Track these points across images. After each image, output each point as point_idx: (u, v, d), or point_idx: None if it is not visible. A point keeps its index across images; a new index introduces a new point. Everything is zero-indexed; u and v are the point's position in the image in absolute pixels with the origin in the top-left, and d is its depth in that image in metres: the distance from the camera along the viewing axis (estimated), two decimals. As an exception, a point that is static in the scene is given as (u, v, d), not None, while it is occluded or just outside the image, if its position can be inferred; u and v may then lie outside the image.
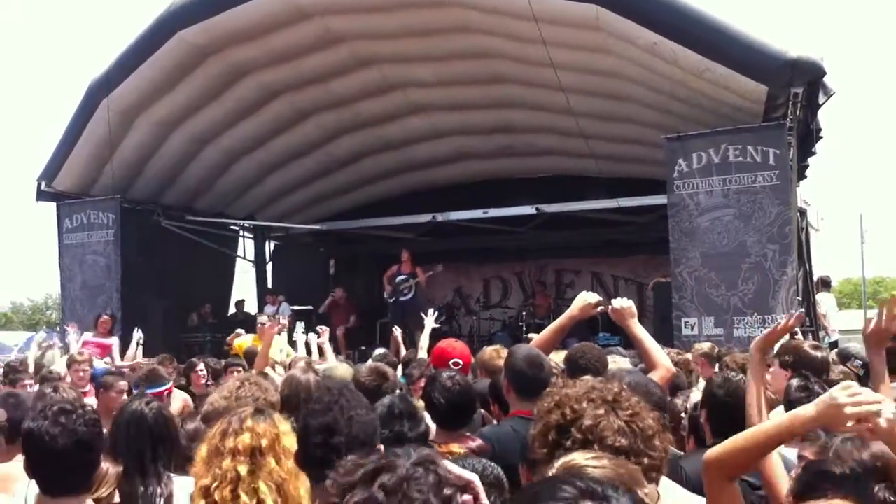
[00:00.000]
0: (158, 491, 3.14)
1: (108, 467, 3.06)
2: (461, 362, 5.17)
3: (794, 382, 4.21)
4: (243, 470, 2.59)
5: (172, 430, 3.49)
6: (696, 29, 10.62)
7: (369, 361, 7.07)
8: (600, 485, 1.22)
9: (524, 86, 13.90)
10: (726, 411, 3.58)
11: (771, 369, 6.22)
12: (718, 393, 3.87)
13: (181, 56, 13.20)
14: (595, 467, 1.85)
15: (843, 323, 16.38)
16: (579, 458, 1.93)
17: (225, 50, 13.24)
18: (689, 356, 7.65)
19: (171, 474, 3.30)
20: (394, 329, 10.00)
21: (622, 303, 4.54)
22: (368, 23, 12.87)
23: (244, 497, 2.52)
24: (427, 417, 3.93)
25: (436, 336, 8.15)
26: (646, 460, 2.15)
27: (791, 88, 10.50)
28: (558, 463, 1.95)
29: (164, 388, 6.57)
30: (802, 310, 3.83)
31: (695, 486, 3.08)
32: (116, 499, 3.07)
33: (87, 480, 2.72)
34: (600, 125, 14.02)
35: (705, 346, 8.18)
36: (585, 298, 4.59)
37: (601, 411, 2.23)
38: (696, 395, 4.58)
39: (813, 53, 10.42)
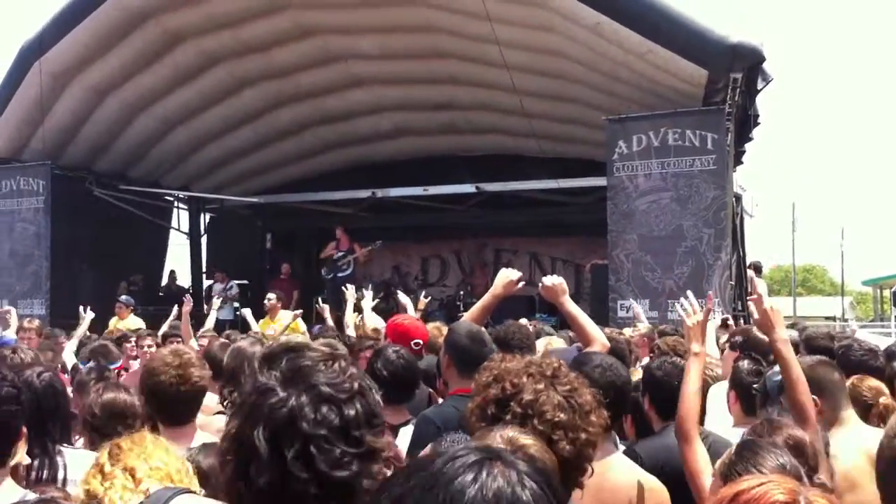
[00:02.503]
0: (46, 463, 3.02)
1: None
2: (422, 342, 5.05)
3: (745, 365, 4.22)
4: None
5: (62, 402, 3.37)
6: (639, 10, 10.72)
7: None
8: (502, 449, 1.20)
9: (468, 62, 13.81)
10: (670, 394, 3.59)
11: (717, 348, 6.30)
12: (658, 376, 3.91)
13: (118, 19, 12.86)
14: (532, 444, 1.83)
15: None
16: (518, 433, 1.93)
17: (163, 14, 12.91)
18: (630, 335, 7.68)
19: (63, 447, 3.18)
20: (318, 303, 9.98)
21: (553, 280, 4.53)
22: (311, -9, 12.67)
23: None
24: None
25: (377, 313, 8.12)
26: (583, 435, 2.14)
27: (731, 73, 10.65)
28: (497, 434, 1.93)
29: (117, 364, 6.21)
30: (711, 292, 3.79)
31: (651, 472, 3.22)
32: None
33: (2, 456, 2.59)
34: (543, 104, 14.01)
35: (644, 327, 8.26)
36: (507, 275, 4.58)
37: (541, 386, 2.22)
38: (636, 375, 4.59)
39: (753, 39, 10.56)
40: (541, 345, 5.40)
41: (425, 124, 16.59)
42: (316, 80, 15.10)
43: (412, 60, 14.39)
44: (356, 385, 1.54)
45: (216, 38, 13.62)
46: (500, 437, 1.94)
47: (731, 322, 8.99)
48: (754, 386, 4.03)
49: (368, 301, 8.45)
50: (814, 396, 3.41)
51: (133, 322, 11.18)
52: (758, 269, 14.44)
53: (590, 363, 3.39)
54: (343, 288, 9.19)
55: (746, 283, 13.28)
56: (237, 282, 16.40)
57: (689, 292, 3.70)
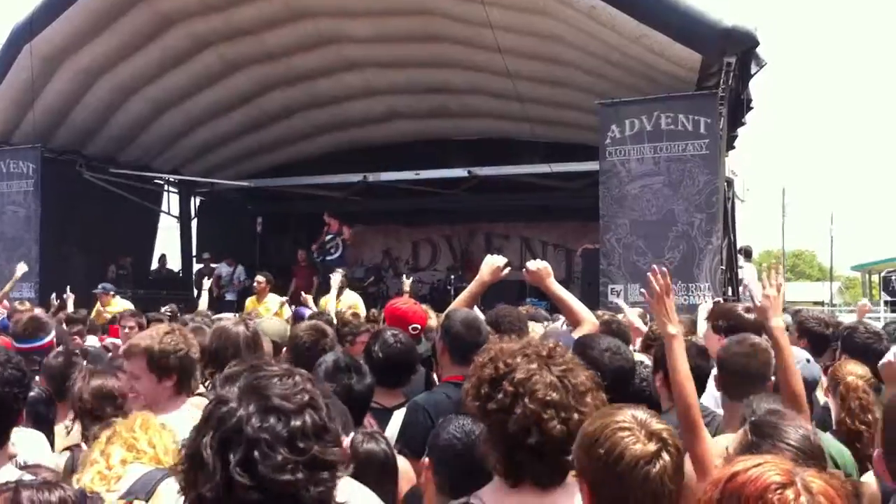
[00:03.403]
0: None
1: None
2: (419, 327, 5.02)
3: (736, 349, 4.14)
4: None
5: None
6: (634, -6, 10.66)
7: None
8: None
9: (461, 45, 13.77)
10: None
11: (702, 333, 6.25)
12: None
13: (109, 2, 12.81)
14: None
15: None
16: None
17: (154, -4, 12.81)
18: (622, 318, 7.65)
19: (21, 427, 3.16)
20: (301, 293, 10.08)
21: (537, 264, 4.53)
22: (304, -26, 12.61)
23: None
24: None
25: (365, 298, 8.13)
26: (576, 415, 2.13)
27: (724, 57, 10.64)
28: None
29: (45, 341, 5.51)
30: (664, 268, 3.42)
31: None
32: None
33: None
34: (537, 88, 13.98)
35: (636, 311, 8.24)
36: (493, 262, 4.58)
37: (534, 366, 2.21)
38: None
39: (747, 23, 10.55)
40: (541, 329, 5.39)
41: (418, 108, 16.54)
42: (307, 64, 15.02)
43: (405, 44, 14.32)
44: (307, 398, 1.56)
45: (207, 21, 13.53)
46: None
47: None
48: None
49: (336, 282, 8.47)
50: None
51: (120, 305, 11.12)
52: (748, 253, 14.49)
53: (597, 346, 3.37)
54: (331, 274, 9.24)
55: (736, 267, 13.33)
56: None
57: (654, 267, 3.36)
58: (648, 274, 3.32)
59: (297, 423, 1.51)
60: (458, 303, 4.59)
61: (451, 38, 13.71)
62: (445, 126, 16.93)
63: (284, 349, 4.74)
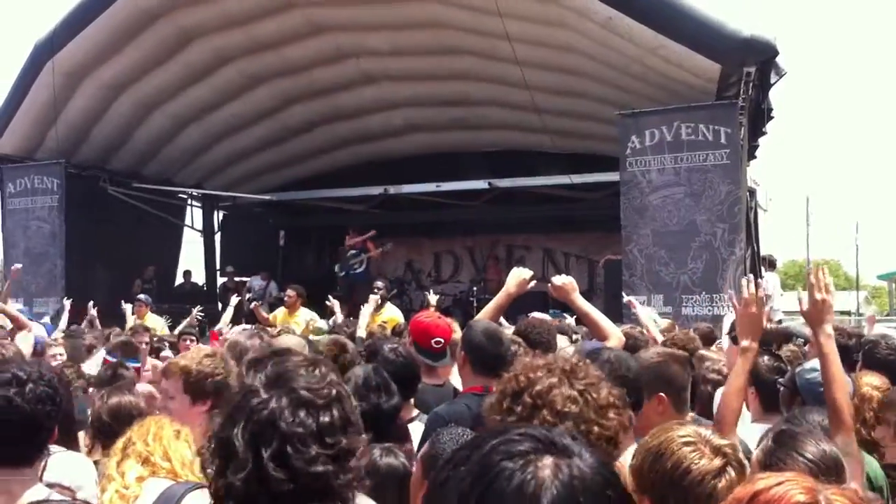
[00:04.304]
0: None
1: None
2: (443, 340, 4.97)
3: (765, 361, 4.12)
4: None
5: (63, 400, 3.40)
6: (651, 5, 10.68)
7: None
8: (559, 435, 1.15)
9: (479, 58, 13.80)
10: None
11: (720, 343, 6.21)
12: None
13: (130, 17, 12.91)
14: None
15: (788, 304, 16.63)
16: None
17: (175, 12, 12.96)
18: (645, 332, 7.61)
19: (54, 447, 3.19)
20: (329, 299, 9.99)
21: (562, 279, 4.54)
22: (322, -12, 12.70)
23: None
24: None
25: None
26: (595, 428, 2.13)
27: (744, 67, 10.58)
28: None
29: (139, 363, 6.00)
30: (750, 276, 3.45)
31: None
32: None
33: (32, 455, 2.59)
34: (555, 100, 13.97)
35: (664, 323, 8.20)
36: (519, 274, 4.59)
37: (555, 379, 2.20)
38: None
39: (766, 33, 10.50)
40: (565, 343, 5.37)
41: (437, 120, 16.57)
42: (327, 77, 15.11)
43: (423, 57, 14.37)
44: (334, 392, 1.64)
45: (228, 36, 13.64)
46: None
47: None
48: (779, 381, 3.98)
49: (373, 302, 8.50)
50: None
51: (151, 320, 11.16)
52: (772, 263, 14.40)
53: (598, 359, 3.38)
54: (372, 293, 9.22)
55: (759, 277, 13.23)
56: (247, 278, 16.48)
57: (749, 276, 3.42)
58: (742, 281, 3.42)
59: (326, 418, 1.60)
60: (483, 314, 4.60)
61: (469, 51, 13.74)
62: (465, 138, 16.95)
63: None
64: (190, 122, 15.69)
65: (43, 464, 2.99)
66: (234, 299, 10.81)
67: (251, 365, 1.69)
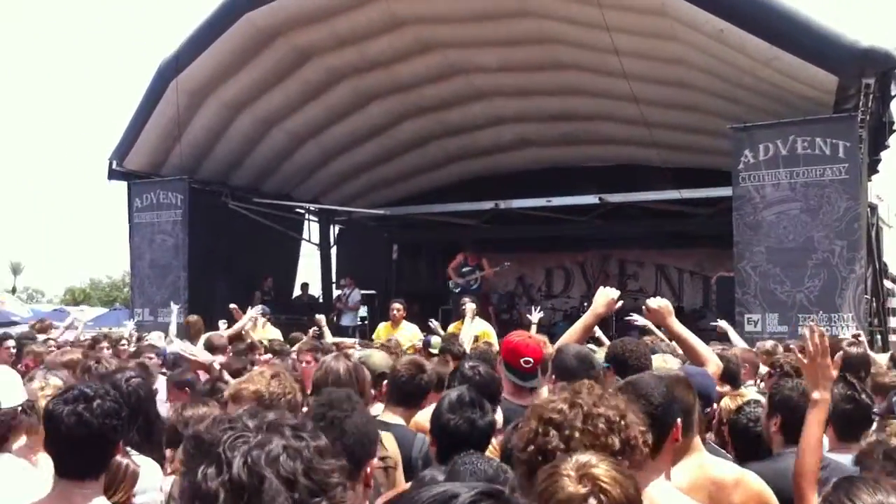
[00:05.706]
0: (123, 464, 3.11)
1: (128, 464, 3.07)
2: (532, 360, 4.92)
3: (840, 391, 3.88)
4: None
5: (146, 408, 3.55)
6: (765, 16, 10.36)
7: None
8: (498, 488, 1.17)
9: (587, 72, 13.72)
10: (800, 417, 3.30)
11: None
12: (792, 397, 3.68)
13: (248, 38, 13.37)
14: (605, 473, 1.81)
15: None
16: (592, 458, 1.89)
17: (291, 32, 13.37)
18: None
19: (134, 453, 3.31)
20: (431, 321, 10.21)
21: (658, 302, 4.46)
22: (432, 7, 12.92)
23: None
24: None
25: (497, 325, 8.15)
26: (577, 434, 2.14)
27: (862, 79, 10.17)
28: (571, 461, 1.91)
29: None
30: (811, 324, 3.28)
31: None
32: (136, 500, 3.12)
33: (96, 468, 2.73)
34: (664, 113, 13.77)
35: (768, 343, 7.97)
36: (607, 294, 4.56)
37: (576, 409, 2.22)
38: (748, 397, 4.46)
39: (885, 44, 10.07)
40: (657, 361, 5.28)
41: (546, 135, 16.55)
42: (438, 94, 15.31)
43: (532, 72, 14.37)
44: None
45: (342, 55, 13.99)
46: (583, 459, 1.90)
47: (862, 338, 8.56)
48: (875, 412, 3.85)
49: (470, 311, 8.54)
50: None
51: (270, 332, 11.41)
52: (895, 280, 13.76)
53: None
54: (461, 304, 9.30)
55: (883, 296, 12.67)
56: (363, 291, 16.78)
57: (811, 325, 3.24)
58: (805, 331, 3.28)
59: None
60: (571, 334, 4.58)
61: (578, 66, 13.68)
62: (574, 153, 16.85)
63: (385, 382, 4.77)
64: (307, 139, 16.12)
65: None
66: (252, 310, 10.71)
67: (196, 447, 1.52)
